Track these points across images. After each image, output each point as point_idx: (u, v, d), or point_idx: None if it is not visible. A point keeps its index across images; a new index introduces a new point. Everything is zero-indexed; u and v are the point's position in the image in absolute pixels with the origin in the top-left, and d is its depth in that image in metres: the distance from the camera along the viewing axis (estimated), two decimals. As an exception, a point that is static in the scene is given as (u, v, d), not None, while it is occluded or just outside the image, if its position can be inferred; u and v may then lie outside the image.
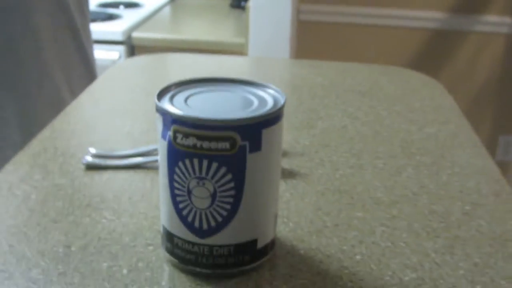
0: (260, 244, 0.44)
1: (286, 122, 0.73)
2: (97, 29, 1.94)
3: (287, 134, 0.70)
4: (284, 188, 0.57)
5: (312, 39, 2.28)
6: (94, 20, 2.02)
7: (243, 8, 2.42)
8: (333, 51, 2.29)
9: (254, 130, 0.40)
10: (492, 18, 2.21)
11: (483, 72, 2.29)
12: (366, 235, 0.50)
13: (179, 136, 0.40)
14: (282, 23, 1.99)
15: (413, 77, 0.94)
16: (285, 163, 0.62)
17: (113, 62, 1.95)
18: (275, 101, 0.43)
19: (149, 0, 2.51)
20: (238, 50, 2.00)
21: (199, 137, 0.39)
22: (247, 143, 0.40)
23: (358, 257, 0.47)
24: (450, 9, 2.21)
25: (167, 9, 2.51)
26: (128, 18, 2.16)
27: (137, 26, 2.14)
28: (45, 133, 0.68)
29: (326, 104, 0.80)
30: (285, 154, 0.64)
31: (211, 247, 0.42)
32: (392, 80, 0.91)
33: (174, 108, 0.41)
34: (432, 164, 0.63)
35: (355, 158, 0.64)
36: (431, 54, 2.28)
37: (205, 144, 0.39)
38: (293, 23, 2.06)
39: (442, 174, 0.61)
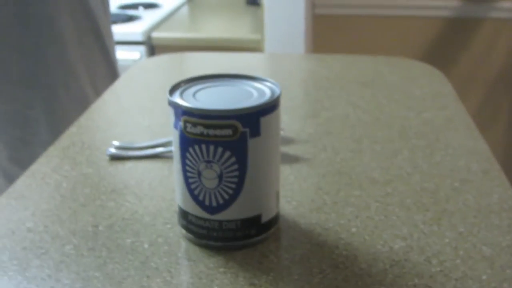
0: (264, 219, 0.50)
1: (293, 113, 0.79)
2: (118, 30, 2.01)
3: (294, 123, 0.75)
4: (289, 171, 0.63)
5: (328, 33, 2.32)
6: (114, 22, 2.09)
7: (258, 4, 2.48)
8: (349, 44, 2.33)
9: (253, 118, 0.46)
10: (506, 4, 2.23)
11: (500, 58, 2.31)
12: (362, 210, 0.56)
13: (189, 125, 0.46)
14: (297, 18, 2.03)
15: (414, 67, 0.99)
16: (291, 150, 0.68)
17: (135, 62, 2.02)
18: (272, 92, 0.49)
19: (167, 1, 2.57)
20: (255, 46, 2.06)
21: (206, 126, 0.45)
22: (247, 130, 0.46)
23: (353, 229, 0.53)
24: (464, -3, 2.24)
25: (184, 9, 2.58)
26: (147, 19, 2.23)
27: (156, 26, 2.21)
28: (73, 129, 0.75)
29: (330, 95, 0.86)
30: (291, 141, 0.70)
31: (220, 222, 0.48)
32: (394, 70, 0.96)
33: (183, 101, 0.47)
34: (427, 147, 0.68)
35: (355, 143, 0.70)
36: (448, 43, 2.30)
37: (211, 132, 0.45)
38: (308, 18, 2.10)
39: (435, 155, 0.66)
